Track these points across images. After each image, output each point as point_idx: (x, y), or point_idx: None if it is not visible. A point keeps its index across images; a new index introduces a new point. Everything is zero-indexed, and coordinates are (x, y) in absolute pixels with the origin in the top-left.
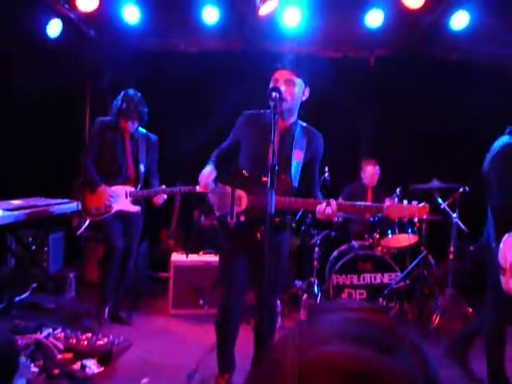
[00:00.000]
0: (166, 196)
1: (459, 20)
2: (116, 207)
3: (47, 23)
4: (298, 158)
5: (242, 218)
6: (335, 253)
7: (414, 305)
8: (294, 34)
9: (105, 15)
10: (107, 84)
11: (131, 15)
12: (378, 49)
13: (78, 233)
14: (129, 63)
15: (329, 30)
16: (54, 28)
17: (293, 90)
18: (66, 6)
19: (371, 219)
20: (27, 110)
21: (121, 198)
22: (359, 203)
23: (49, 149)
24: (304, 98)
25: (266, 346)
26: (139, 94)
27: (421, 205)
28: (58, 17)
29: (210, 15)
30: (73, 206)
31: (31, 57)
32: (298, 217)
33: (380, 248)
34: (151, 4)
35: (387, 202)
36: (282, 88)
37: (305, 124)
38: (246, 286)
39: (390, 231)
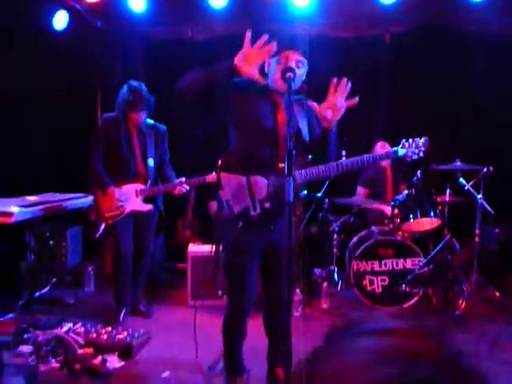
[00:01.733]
0: (187, 186)
1: None
2: (128, 208)
3: (53, 15)
4: (304, 126)
5: (267, 205)
6: (355, 239)
7: (438, 290)
8: (304, 15)
9: (111, 5)
10: (117, 75)
11: (137, 4)
12: (394, 25)
13: (96, 236)
14: (137, 53)
15: (341, 8)
16: (61, 20)
17: (300, 70)
18: None
19: (392, 203)
20: (37, 105)
21: (131, 198)
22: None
23: (61, 144)
24: (303, 79)
25: (281, 337)
26: (143, 85)
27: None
28: (64, 8)
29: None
30: (88, 200)
31: (38, 50)
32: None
33: (401, 233)
34: None
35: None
36: (294, 67)
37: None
38: (255, 283)
39: (411, 215)
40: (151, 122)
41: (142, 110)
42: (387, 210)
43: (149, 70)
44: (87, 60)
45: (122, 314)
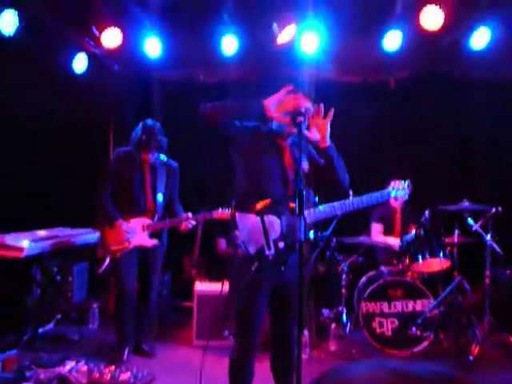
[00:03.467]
0: (193, 221)
1: (479, 39)
2: (133, 242)
3: (73, 59)
4: (305, 168)
5: (281, 245)
6: (363, 279)
7: (449, 334)
8: (312, 60)
9: (127, 49)
10: (130, 116)
11: (153, 48)
12: (398, 71)
13: (100, 271)
14: (151, 94)
15: (347, 54)
16: (80, 63)
17: (307, 112)
18: (91, 42)
19: (400, 244)
20: (52, 141)
21: (138, 233)
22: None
23: (73, 180)
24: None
25: (289, 380)
26: (158, 124)
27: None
28: (84, 52)
29: (229, 46)
30: (96, 235)
31: (58, 92)
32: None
33: (410, 273)
34: (172, 36)
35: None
36: (305, 113)
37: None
38: (263, 323)
39: (420, 256)
40: (164, 158)
41: (154, 150)
42: (395, 243)
43: (162, 111)
44: (102, 101)
45: (126, 353)
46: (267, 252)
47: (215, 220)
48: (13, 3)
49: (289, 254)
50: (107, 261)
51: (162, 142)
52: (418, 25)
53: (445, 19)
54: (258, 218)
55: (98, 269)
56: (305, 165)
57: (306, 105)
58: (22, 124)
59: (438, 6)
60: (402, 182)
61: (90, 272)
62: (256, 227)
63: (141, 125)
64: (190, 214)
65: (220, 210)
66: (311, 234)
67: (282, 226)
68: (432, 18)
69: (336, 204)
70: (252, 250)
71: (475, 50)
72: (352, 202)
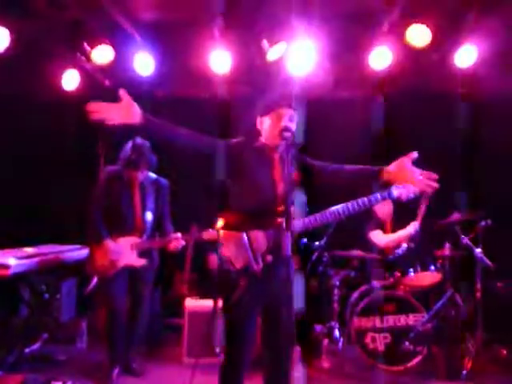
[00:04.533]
0: (183, 242)
1: (465, 57)
2: (121, 262)
3: (63, 75)
4: (296, 177)
5: (269, 258)
6: (355, 294)
7: (443, 348)
8: (303, 77)
9: (119, 65)
10: (120, 134)
11: (144, 66)
12: (387, 87)
13: (87, 291)
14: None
15: (337, 71)
16: (71, 80)
17: (293, 125)
18: (83, 58)
19: (391, 257)
20: (40, 159)
21: (126, 252)
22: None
23: (62, 196)
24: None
25: None
26: (148, 143)
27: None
28: (76, 68)
29: (220, 62)
30: (84, 252)
31: (47, 108)
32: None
33: (403, 287)
34: (162, 53)
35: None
36: (289, 124)
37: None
38: (254, 339)
39: (411, 269)
40: (153, 176)
41: (143, 169)
42: (411, 230)
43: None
44: (93, 118)
45: (115, 373)
46: (255, 267)
47: (205, 240)
48: (3, 20)
49: (278, 268)
50: (94, 280)
51: (152, 160)
52: (405, 43)
53: (432, 37)
54: (243, 234)
55: (85, 288)
56: (295, 175)
57: (290, 114)
58: (10, 138)
59: (425, 25)
60: (408, 184)
61: (78, 289)
62: (241, 243)
63: (130, 143)
64: (179, 234)
65: (211, 230)
66: (303, 241)
67: (269, 239)
68: (419, 36)
69: (328, 211)
70: (239, 265)
71: (461, 67)
72: (347, 205)
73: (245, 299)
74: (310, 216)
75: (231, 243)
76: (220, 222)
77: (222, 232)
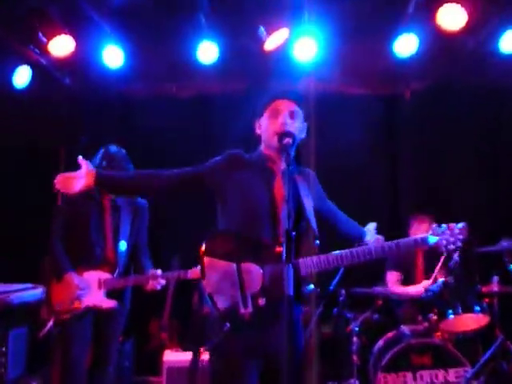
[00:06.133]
0: (163, 281)
1: (510, 42)
2: (85, 302)
3: (14, 71)
4: (308, 201)
5: (262, 302)
6: (380, 343)
7: None
8: (309, 70)
9: (82, 59)
10: (86, 141)
11: (113, 58)
12: (414, 81)
13: (41, 335)
14: (111, 114)
15: (352, 62)
16: (23, 76)
17: (296, 123)
18: (37, 50)
19: (424, 295)
20: None
21: (92, 290)
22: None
23: (9, 220)
24: (303, 136)
25: None
26: (124, 151)
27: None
28: (27, 63)
29: (207, 53)
30: (38, 292)
31: None
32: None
33: (440, 334)
34: (136, 44)
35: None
36: (288, 121)
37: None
38: None
39: (451, 310)
40: None
41: None
42: (417, 292)
43: (125, 133)
44: (51, 122)
45: None
46: (242, 310)
47: (190, 280)
48: None
49: (275, 314)
50: (50, 323)
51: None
52: (436, 26)
53: (468, 19)
54: (233, 265)
55: (38, 333)
56: (308, 200)
57: (290, 109)
58: None
59: (460, 4)
60: (453, 225)
61: (29, 339)
62: (229, 277)
63: (102, 150)
64: (159, 272)
65: (198, 267)
66: (310, 288)
67: (264, 277)
68: (452, 18)
69: (345, 253)
70: (222, 304)
71: (503, 53)
72: (369, 249)
73: (232, 351)
74: (321, 255)
75: (216, 275)
76: (205, 248)
77: (206, 259)
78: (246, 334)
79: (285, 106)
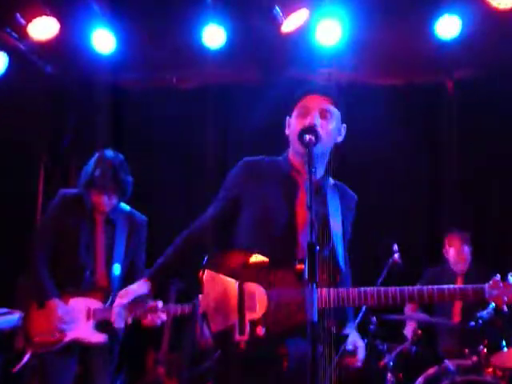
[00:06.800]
0: (163, 316)
1: None
2: (70, 335)
3: None
4: (337, 226)
5: (261, 332)
6: (420, 380)
7: None
8: (332, 56)
9: (67, 45)
10: (71, 139)
11: (104, 43)
12: (458, 69)
13: (15, 369)
14: (100, 108)
15: (382, 48)
16: None
17: (329, 125)
18: (15, 34)
19: (472, 324)
20: None
21: (79, 320)
22: (445, 287)
23: None
24: (340, 140)
25: None
26: (121, 157)
27: None
28: (3, 49)
29: (214, 37)
30: (14, 318)
31: None
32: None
33: (491, 370)
34: (130, 27)
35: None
36: (317, 122)
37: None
38: None
39: (504, 342)
40: (127, 207)
41: (111, 193)
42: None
43: (117, 131)
44: (30, 116)
45: None
46: (237, 336)
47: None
48: None
49: (277, 349)
50: (27, 356)
51: (125, 182)
52: (484, 3)
53: None
54: (235, 284)
55: (13, 366)
56: (336, 221)
57: (322, 106)
58: None
59: None
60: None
61: (3, 374)
62: (229, 295)
63: (96, 156)
64: (160, 304)
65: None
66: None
67: (270, 303)
68: None
69: (377, 290)
70: (216, 326)
71: None
72: (404, 290)
73: (231, 380)
74: (343, 289)
75: (215, 291)
76: (207, 260)
77: (207, 271)
78: (244, 365)
79: (316, 103)
